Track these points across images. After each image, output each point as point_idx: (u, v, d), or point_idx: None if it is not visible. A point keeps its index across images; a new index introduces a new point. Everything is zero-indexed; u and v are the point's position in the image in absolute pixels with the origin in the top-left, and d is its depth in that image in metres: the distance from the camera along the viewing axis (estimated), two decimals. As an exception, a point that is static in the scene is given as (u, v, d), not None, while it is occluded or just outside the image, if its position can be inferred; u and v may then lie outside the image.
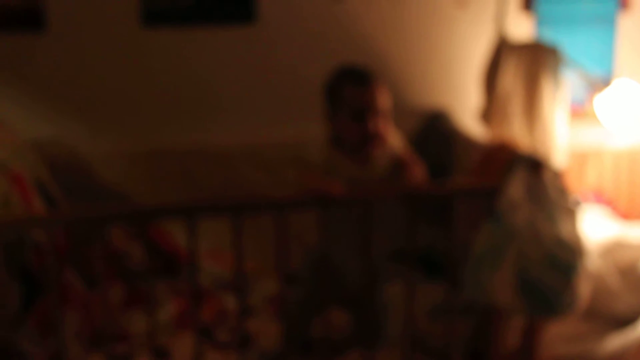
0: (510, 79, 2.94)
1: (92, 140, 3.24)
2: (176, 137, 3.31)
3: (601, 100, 3.42)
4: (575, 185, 3.42)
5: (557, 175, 2.38)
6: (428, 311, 2.69)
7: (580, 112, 3.47)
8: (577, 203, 2.44)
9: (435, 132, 3.27)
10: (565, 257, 2.26)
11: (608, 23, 3.50)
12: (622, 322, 2.67)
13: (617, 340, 2.57)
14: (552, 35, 3.35)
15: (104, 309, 2.40)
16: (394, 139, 2.59)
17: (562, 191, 2.36)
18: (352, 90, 2.51)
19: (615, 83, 3.45)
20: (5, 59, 3.16)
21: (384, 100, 2.51)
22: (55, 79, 3.23)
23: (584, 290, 2.33)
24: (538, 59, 2.91)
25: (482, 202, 2.38)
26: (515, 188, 2.31)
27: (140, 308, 2.81)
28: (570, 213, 2.35)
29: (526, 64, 2.93)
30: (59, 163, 3.11)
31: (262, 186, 3.21)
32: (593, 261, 2.68)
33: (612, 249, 2.82)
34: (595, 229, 2.96)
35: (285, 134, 3.28)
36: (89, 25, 3.21)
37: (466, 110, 3.36)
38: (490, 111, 3.00)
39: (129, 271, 2.96)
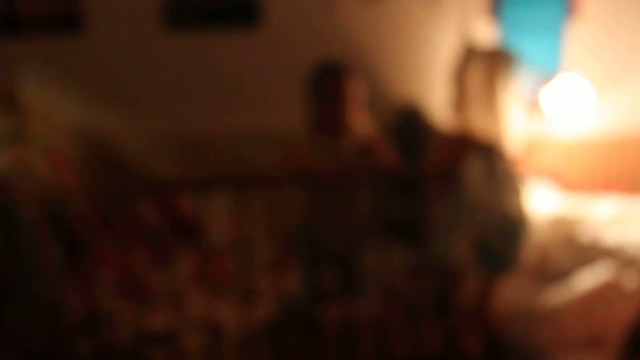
0: (474, 77, 2.98)
1: (123, 125, 3.26)
2: (192, 122, 3.34)
3: (550, 93, 3.46)
4: (527, 166, 3.48)
5: (509, 159, 2.44)
6: (401, 270, 2.71)
7: (534, 106, 3.48)
8: (526, 181, 2.50)
9: (410, 122, 3.32)
10: (512, 225, 2.34)
11: (559, 28, 3.53)
12: (561, 278, 2.73)
13: (556, 294, 2.63)
14: (512, 39, 3.38)
15: (131, 267, 2.44)
16: (366, 125, 2.64)
17: (513, 172, 2.43)
18: (325, 79, 2.57)
19: (562, 80, 3.48)
20: (49, 56, 3.17)
21: (353, 88, 2.56)
22: (92, 73, 3.27)
23: (529, 252, 2.39)
24: (497, 60, 2.95)
25: (447, 180, 2.44)
26: (474, 169, 2.39)
27: (162, 267, 2.87)
28: (519, 189, 2.42)
29: (487, 64, 2.97)
30: (95, 143, 3.16)
31: (263, 164, 3.21)
32: (539, 229, 2.75)
33: (557, 218, 2.89)
34: (543, 202, 3.03)
35: (284, 120, 3.23)
36: (121, 28, 3.27)
37: (437, 103, 3.37)
38: (457, 104, 3.04)
39: (152, 235, 3.01)
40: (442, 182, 2.47)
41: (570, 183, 3.53)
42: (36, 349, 2.34)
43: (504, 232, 2.34)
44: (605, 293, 2.55)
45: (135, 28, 3.26)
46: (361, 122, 2.62)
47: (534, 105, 3.49)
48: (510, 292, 2.71)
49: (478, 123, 2.94)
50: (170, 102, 3.37)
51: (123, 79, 3.31)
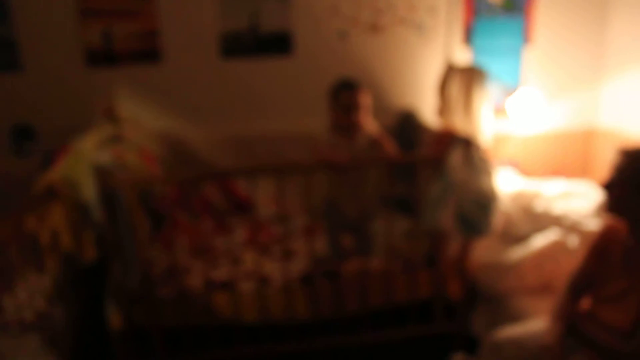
0: (454, 88, 2.94)
1: (192, 129, 3.26)
2: (244, 127, 3.32)
3: (513, 101, 3.42)
4: (495, 156, 3.44)
5: (482, 149, 2.41)
6: (401, 234, 2.73)
7: (500, 110, 3.46)
8: (495, 167, 2.47)
9: (407, 122, 3.29)
10: (485, 200, 2.31)
11: (518, 52, 3.48)
12: (522, 240, 2.72)
13: (517, 252, 2.61)
14: (482, 60, 3.34)
15: (201, 234, 2.45)
16: (373, 126, 2.61)
17: (485, 160, 2.40)
18: (341, 92, 2.54)
19: (520, 90, 3.45)
20: (138, 80, 3.18)
21: (364, 99, 2.53)
22: (169, 92, 3.25)
23: (497, 220, 2.37)
24: (472, 75, 2.90)
25: (434, 166, 2.42)
26: (455, 157, 2.36)
27: (223, 233, 2.89)
28: (490, 173, 2.39)
29: (464, 78, 2.92)
30: (172, 143, 3.15)
31: (296, 156, 3.22)
32: (505, 203, 2.72)
33: (518, 195, 2.86)
34: (508, 183, 2.99)
35: (310, 123, 3.21)
36: (189, 59, 3.23)
37: (427, 108, 3.35)
38: (442, 109, 3.00)
39: (216, 210, 3.02)
40: (431, 167, 2.44)
41: (528, 170, 3.49)
42: (132, 293, 2.36)
43: (479, 205, 2.31)
44: (554, 250, 2.53)
45: (200, 58, 3.24)
46: (369, 124, 2.59)
47: (500, 110, 3.45)
48: (482, 251, 2.70)
49: (458, 123, 2.90)
50: (226, 111, 3.34)
51: (191, 95, 3.29)
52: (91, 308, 2.39)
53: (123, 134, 2.68)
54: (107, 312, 2.35)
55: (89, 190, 2.28)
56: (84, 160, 2.39)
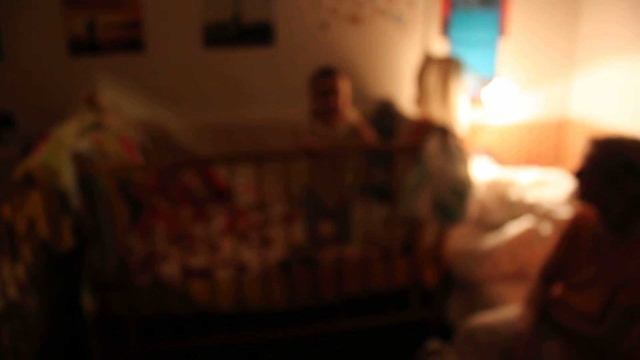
0: (432, 79, 2.86)
1: (173, 118, 3.16)
2: (224, 115, 3.23)
3: (487, 92, 3.36)
4: (471, 145, 3.39)
5: (459, 138, 2.32)
6: (378, 222, 2.63)
7: (476, 100, 3.39)
8: (470, 156, 2.39)
9: (385, 111, 3.19)
10: (461, 188, 2.22)
11: (493, 44, 3.40)
12: (496, 227, 2.65)
13: (492, 239, 2.54)
14: (459, 51, 3.28)
15: (179, 221, 2.36)
16: (353, 115, 2.53)
17: (461, 148, 2.31)
18: (319, 79, 2.46)
19: (495, 81, 3.38)
20: (120, 69, 3.07)
21: (342, 85, 2.45)
22: (151, 81, 3.14)
23: (473, 209, 2.29)
24: (449, 66, 2.82)
25: (411, 154, 2.33)
26: (432, 145, 2.26)
27: (202, 221, 2.78)
28: (466, 162, 2.30)
29: (441, 69, 2.84)
30: (153, 132, 3.03)
31: (275, 143, 3.12)
32: (480, 191, 2.64)
33: (493, 183, 2.78)
34: (483, 171, 2.92)
35: (291, 111, 3.14)
36: (171, 48, 3.12)
37: (405, 98, 3.28)
38: (419, 98, 2.92)
39: (194, 197, 2.92)
40: (409, 155, 2.34)
41: (502, 159, 3.45)
42: (108, 280, 2.26)
43: (455, 193, 2.22)
44: (527, 237, 2.46)
45: (182, 47, 3.11)
46: (348, 111, 2.51)
47: (476, 100, 3.38)
48: (458, 238, 2.63)
49: (435, 112, 2.82)
50: (208, 100, 3.23)
51: (173, 84, 3.17)
52: (66, 296, 2.29)
53: (103, 122, 2.57)
54: (83, 299, 2.24)
55: (68, 178, 2.17)
56: (64, 147, 2.28)
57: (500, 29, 3.38)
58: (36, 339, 2.07)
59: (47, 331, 2.16)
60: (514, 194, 2.72)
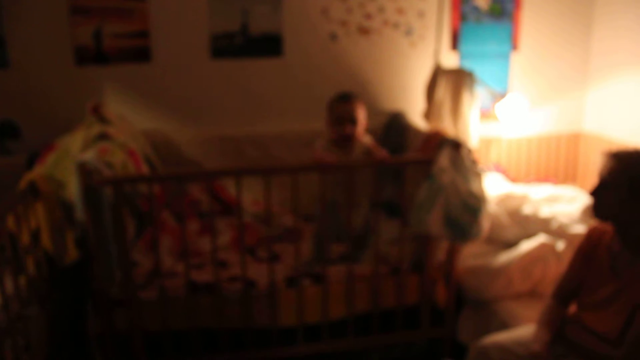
0: (442, 92, 2.87)
1: (180, 129, 3.16)
2: (232, 127, 3.22)
3: (500, 106, 3.35)
4: (482, 160, 3.39)
5: (471, 152, 2.31)
6: (389, 238, 2.59)
7: (487, 113, 3.40)
8: (483, 170, 2.38)
9: (395, 125, 3.17)
10: (474, 203, 2.20)
11: (505, 58, 3.41)
12: (509, 245, 2.63)
13: (505, 256, 2.52)
14: (470, 65, 3.28)
15: (185, 236, 2.35)
16: (366, 138, 2.54)
17: (473, 162, 2.30)
18: (338, 105, 2.47)
19: (508, 96, 3.38)
20: (127, 80, 3.09)
21: (359, 112, 2.46)
22: (158, 91, 3.15)
23: (485, 225, 2.27)
24: (460, 79, 2.83)
25: (423, 168, 2.32)
26: (444, 159, 2.24)
27: (208, 235, 2.73)
28: (478, 176, 2.29)
29: (452, 82, 2.85)
30: (159, 144, 3.04)
31: (285, 159, 3.15)
32: (492, 207, 2.62)
33: (504, 199, 2.75)
34: (494, 187, 2.90)
35: (300, 126, 3.20)
36: (178, 58, 3.13)
37: (415, 111, 3.27)
38: (429, 112, 2.92)
39: (201, 211, 2.90)
40: (420, 170, 2.33)
41: (514, 174, 3.46)
42: (113, 295, 2.24)
43: (467, 209, 2.20)
44: (541, 253, 2.45)
45: (189, 58, 3.13)
46: (363, 136, 2.54)
47: (487, 113, 3.39)
48: (468, 255, 2.61)
49: (446, 125, 2.82)
50: (215, 111, 3.23)
51: (180, 95, 3.18)
52: (70, 311, 2.27)
53: (110, 133, 2.57)
54: (87, 315, 2.22)
55: (73, 189, 2.17)
56: (69, 158, 2.29)
57: (512, 43, 3.38)
58: (39, 353, 2.05)
59: (50, 346, 2.14)
60: (527, 210, 2.70)
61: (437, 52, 2.99)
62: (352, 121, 2.44)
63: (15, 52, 2.95)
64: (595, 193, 1.73)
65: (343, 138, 2.47)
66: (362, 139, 2.52)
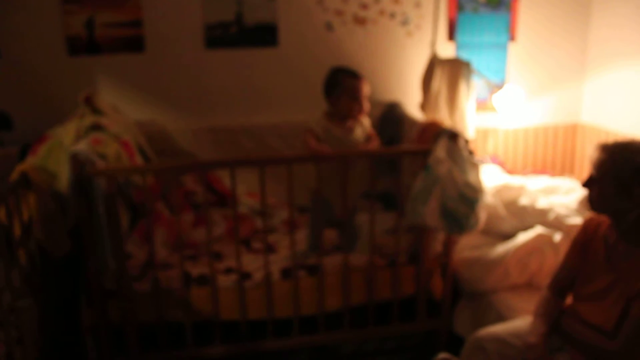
0: (439, 82, 2.85)
1: (174, 120, 3.15)
2: (226, 118, 3.22)
3: (497, 97, 3.35)
4: (479, 151, 3.39)
5: (467, 143, 2.31)
6: (385, 229, 2.62)
7: (484, 104, 3.40)
8: (479, 161, 2.37)
9: (391, 115, 3.17)
10: (471, 195, 2.20)
11: (502, 48, 3.40)
12: (506, 236, 2.62)
13: (501, 248, 2.52)
14: (467, 56, 3.27)
15: (180, 227, 2.35)
16: (367, 120, 2.54)
17: (470, 153, 2.29)
18: (350, 79, 2.45)
19: (505, 87, 3.38)
20: (120, 70, 3.07)
21: (367, 89, 2.46)
22: (151, 82, 3.13)
23: (482, 216, 2.27)
24: (457, 69, 2.82)
25: (419, 159, 2.31)
26: (440, 150, 2.24)
27: (203, 227, 2.73)
28: (475, 167, 2.28)
29: (449, 72, 2.84)
30: (153, 134, 3.02)
31: (281, 149, 3.14)
32: (488, 198, 2.62)
33: (501, 190, 2.74)
34: (491, 178, 2.90)
35: (296, 116, 3.19)
36: (172, 48, 3.11)
37: (411, 101, 3.26)
38: (426, 102, 2.91)
39: (195, 203, 2.89)
40: (416, 160, 2.33)
41: (511, 165, 3.47)
42: (107, 287, 2.23)
43: (464, 200, 2.20)
44: (538, 244, 2.45)
45: (183, 48, 3.11)
46: (366, 118, 2.55)
47: (484, 104, 3.38)
48: (464, 246, 2.61)
49: (442, 116, 2.81)
50: (209, 102, 3.22)
51: (174, 86, 3.16)
52: (63, 302, 2.26)
53: (103, 123, 2.55)
54: (80, 307, 2.21)
55: (66, 180, 2.16)
56: (62, 149, 2.27)
57: (509, 34, 3.37)
58: (32, 346, 2.05)
59: (44, 338, 2.14)
60: (524, 201, 2.69)
61: (433, 42, 2.97)
62: (364, 97, 2.45)
63: (7, 43, 2.93)
64: (586, 186, 1.75)
65: (351, 113, 2.45)
66: (364, 120, 2.52)
